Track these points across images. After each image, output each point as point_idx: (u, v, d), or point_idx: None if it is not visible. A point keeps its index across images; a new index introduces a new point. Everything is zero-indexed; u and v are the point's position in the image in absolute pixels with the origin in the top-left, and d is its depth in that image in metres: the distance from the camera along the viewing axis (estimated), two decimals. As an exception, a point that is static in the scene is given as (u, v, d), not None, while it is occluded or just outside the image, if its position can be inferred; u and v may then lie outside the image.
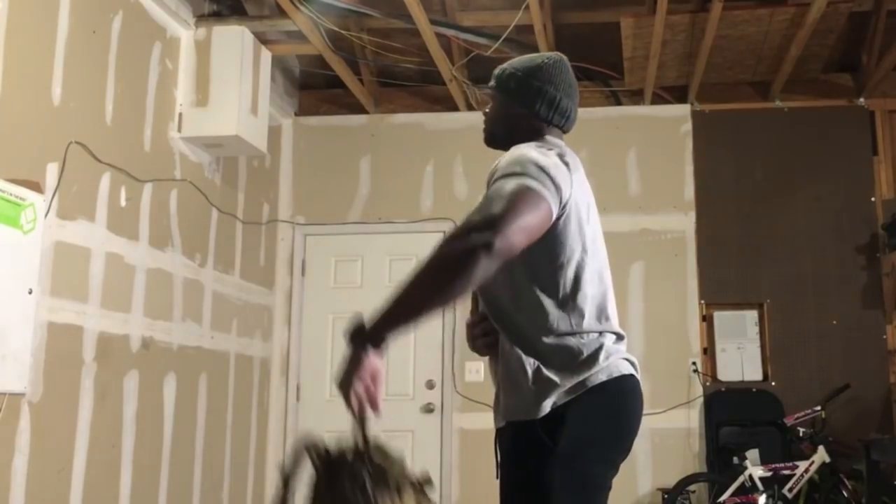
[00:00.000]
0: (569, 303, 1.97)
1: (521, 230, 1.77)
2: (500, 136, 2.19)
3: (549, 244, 1.94)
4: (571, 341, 1.95)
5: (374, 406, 1.71)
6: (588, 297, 1.98)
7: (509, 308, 2.00)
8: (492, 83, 2.20)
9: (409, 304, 1.73)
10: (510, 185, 1.83)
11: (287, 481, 1.62)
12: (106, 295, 3.91)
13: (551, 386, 1.93)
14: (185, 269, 4.64)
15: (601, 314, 2.01)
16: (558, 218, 1.91)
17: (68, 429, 3.66)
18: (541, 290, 1.96)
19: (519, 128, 2.14)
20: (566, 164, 1.97)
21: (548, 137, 2.12)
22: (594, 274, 2.01)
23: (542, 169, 1.88)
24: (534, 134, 2.12)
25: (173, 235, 4.53)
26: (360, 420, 1.67)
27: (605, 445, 1.95)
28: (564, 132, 2.19)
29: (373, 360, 1.71)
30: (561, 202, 1.90)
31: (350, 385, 1.69)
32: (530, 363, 1.96)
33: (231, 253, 5.26)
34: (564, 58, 2.20)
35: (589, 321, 1.98)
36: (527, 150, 1.95)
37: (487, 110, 2.23)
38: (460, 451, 5.61)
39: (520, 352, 1.98)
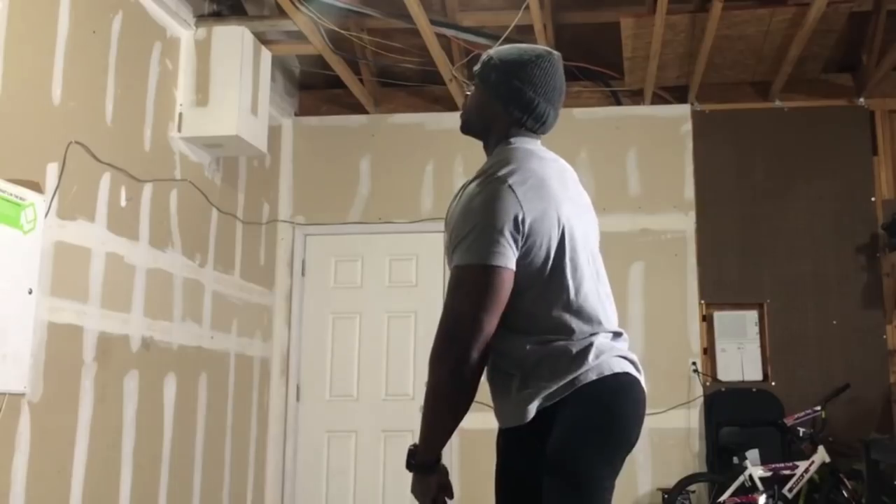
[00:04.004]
0: (557, 305, 1.94)
1: (492, 315, 1.88)
2: (474, 126, 2.15)
3: (529, 264, 1.92)
4: (560, 343, 1.92)
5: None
6: (578, 297, 1.94)
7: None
8: (476, 68, 2.13)
9: (439, 429, 1.96)
10: (465, 274, 1.90)
11: None
12: (106, 295, 3.91)
13: (538, 389, 1.91)
14: (185, 269, 4.64)
15: (594, 312, 1.96)
16: (528, 248, 1.91)
17: (68, 429, 3.66)
18: (528, 295, 1.93)
19: (492, 123, 2.09)
20: (529, 188, 1.92)
21: (516, 142, 2.05)
22: (583, 272, 1.97)
23: (497, 230, 1.87)
24: (504, 132, 2.07)
25: (173, 235, 4.53)
26: None
27: (598, 445, 1.89)
28: (540, 135, 2.11)
29: (436, 479, 1.97)
30: (518, 246, 1.89)
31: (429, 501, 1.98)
32: (519, 368, 1.94)
33: (231, 253, 5.26)
34: (556, 56, 2.09)
35: (581, 321, 1.94)
36: (487, 200, 1.91)
37: (468, 93, 2.17)
38: (460, 450, 5.60)
39: (509, 357, 1.96)
